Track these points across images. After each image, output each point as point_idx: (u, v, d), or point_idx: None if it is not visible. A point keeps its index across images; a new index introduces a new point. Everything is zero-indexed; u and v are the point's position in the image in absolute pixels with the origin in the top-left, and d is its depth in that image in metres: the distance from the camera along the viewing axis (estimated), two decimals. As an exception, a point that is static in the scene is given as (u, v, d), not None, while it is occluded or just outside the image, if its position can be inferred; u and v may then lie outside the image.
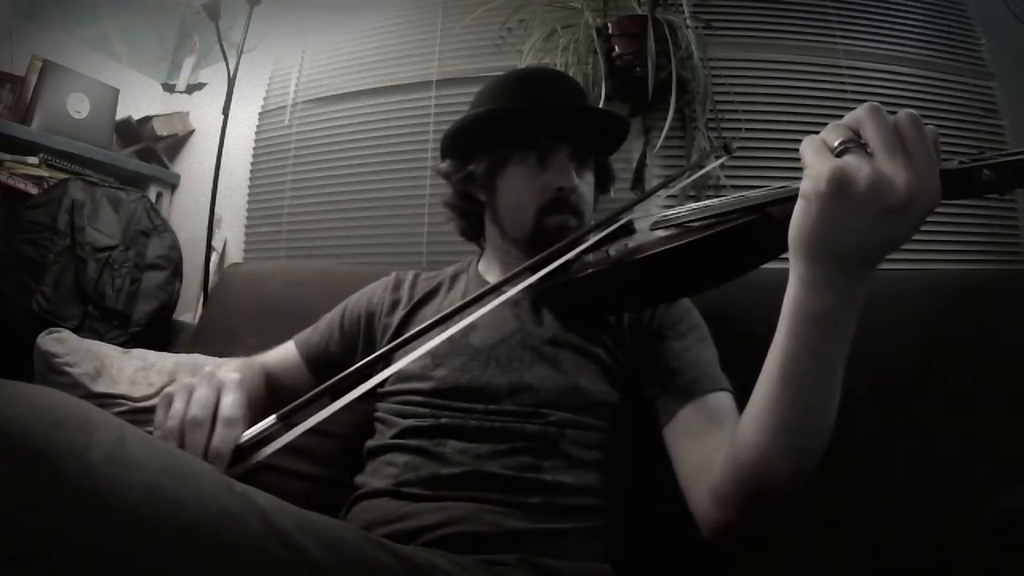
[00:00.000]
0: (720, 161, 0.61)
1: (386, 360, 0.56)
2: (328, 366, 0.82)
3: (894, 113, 0.38)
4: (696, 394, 0.65)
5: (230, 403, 0.49)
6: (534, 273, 0.57)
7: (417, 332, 0.54)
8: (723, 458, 0.53)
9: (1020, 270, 1.41)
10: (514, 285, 0.54)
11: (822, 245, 0.40)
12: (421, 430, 0.68)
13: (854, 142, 0.38)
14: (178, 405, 0.48)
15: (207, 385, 0.50)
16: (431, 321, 0.54)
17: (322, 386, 0.50)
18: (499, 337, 0.73)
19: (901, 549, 0.74)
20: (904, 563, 0.73)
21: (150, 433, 0.39)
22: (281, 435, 0.46)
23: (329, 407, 0.46)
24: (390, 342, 0.79)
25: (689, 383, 0.66)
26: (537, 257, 0.57)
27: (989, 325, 0.82)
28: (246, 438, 0.47)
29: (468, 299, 0.55)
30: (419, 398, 0.70)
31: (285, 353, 0.84)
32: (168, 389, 0.50)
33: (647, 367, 0.71)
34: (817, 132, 0.41)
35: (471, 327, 0.73)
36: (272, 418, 0.47)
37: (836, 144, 0.38)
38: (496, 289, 0.56)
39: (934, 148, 0.37)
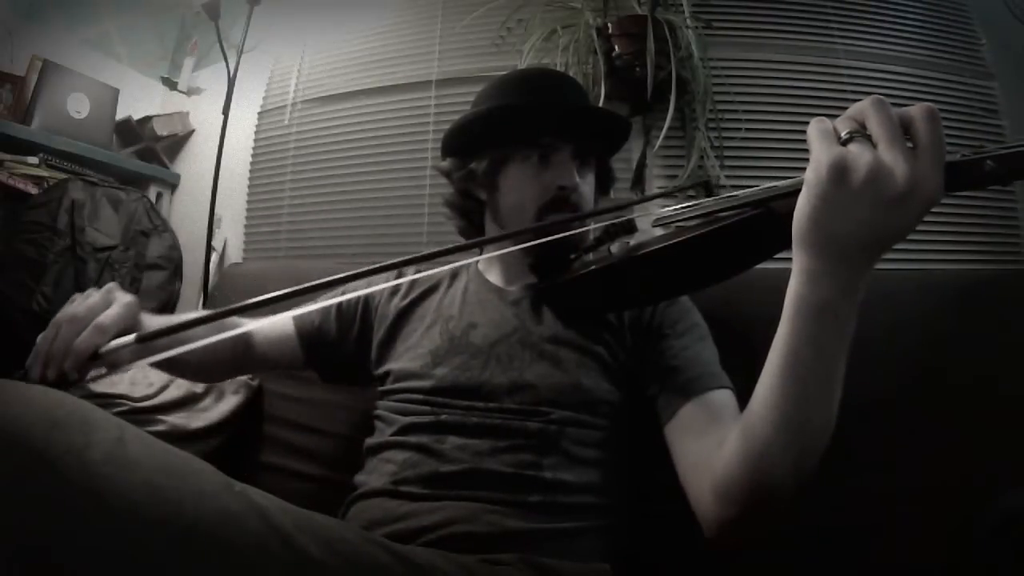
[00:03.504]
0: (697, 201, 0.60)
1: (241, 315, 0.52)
2: (321, 345, 0.82)
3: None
4: (696, 392, 0.65)
5: (111, 314, 0.53)
6: (536, 238, 0.57)
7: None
8: (725, 454, 0.53)
9: (1020, 270, 1.41)
10: (498, 247, 0.55)
11: (823, 233, 0.40)
12: (421, 427, 0.68)
13: (859, 132, 0.38)
14: (72, 303, 0.54)
15: (102, 295, 0.55)
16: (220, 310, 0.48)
17: (192, 316, 0.47)
18: (499, 335, 0.73)
19: (901, 549, 0.73)
20: (904, 563, 0.73)
21: (151, 433, 0.38)
22: (142, 358, 0.46)
23: (189, 344, 0.42)
24: (388, 332, 0.80)
25: (689, 381, 0.66)
26: (522, 228, 0.57)
27: (989, 325, 0.82)
28: (106, 349, 0.50)
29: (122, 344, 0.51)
30: (419, 396, 0.70)
31: (279, 326, 0.82)
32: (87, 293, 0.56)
33: (647, 365, 0.71)
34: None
35: (471, 325, 0.73)
36: (131, 337, 0.48)
37: (844, 133, 0.39)
38: (143, 341, 0.49)
39: (938, 142, 0.38)
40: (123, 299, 0.56)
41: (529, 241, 0.57)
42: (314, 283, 0.46)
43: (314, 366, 0.84)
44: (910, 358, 0.81)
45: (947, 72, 1.55)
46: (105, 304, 0.54)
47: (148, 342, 0.47)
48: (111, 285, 0.57)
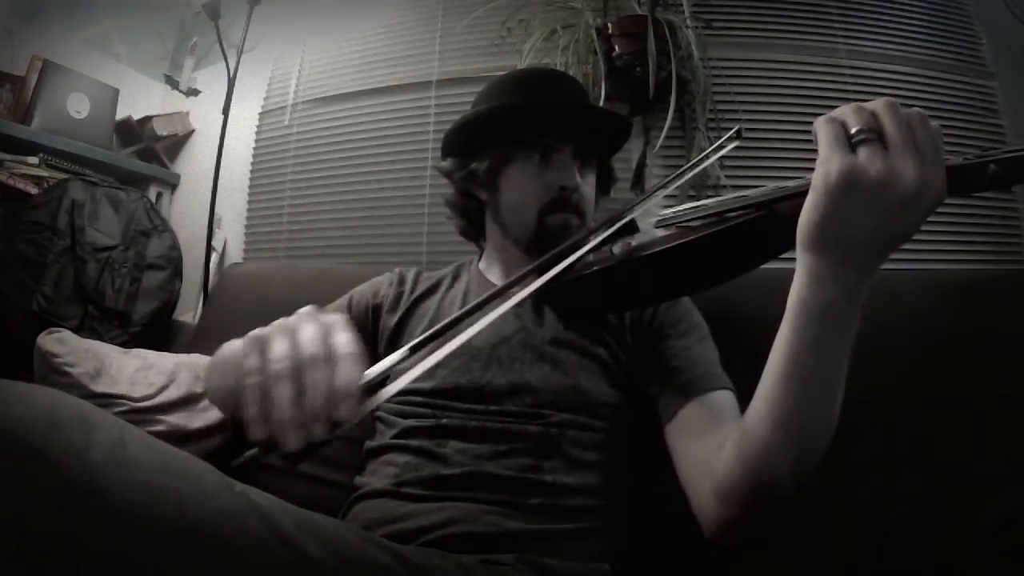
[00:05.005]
0: (733, 145, 0.60)
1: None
2: None
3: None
4: (697, 392, 0.65)
5: (347, 339, 0.40)
6: (539, 275, 0.55)
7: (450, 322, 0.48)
8: (725, 454, 0.53)
9: (1020, 270, 1.41)
10: (521, 287, 0.52)
11: (830, 238, 0.40)
12: (422, 430, 0.68)
13: (873, 132, 0.38)
14: (282, 345, 0.38)
15: (312, 322, 0.40)
16: (455, 316, 0.49)
17: (442, 323, 0.46)
18: (500, 337, 0.73)
19: (901, 549, 0.73)
20: (904, 563, 0.73)
21: (151, 433, 0.38)
22: (401, 373, 0.40)
23: (445, 347, 0.42)
24: (391, 340, 0.79)
25: (690, 381, 0.66)
26: (542, 259, 0.56)
27: (989, 325, 0.82)
28: (369, 376, 0.40)
29: (477, 302, 0.50)
30: (419, 398, 0.70)
31: None
32: (253, 333, 0.41)
33: (648, 366, 0.71)
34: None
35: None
36: (404, 350, 0.42)
37: (854, 130, 0.38)
38: (503, 292, 0.52)
39: (940, 144, 0.38)
40: (335, 317, 0.42)
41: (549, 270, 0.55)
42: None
43: None
44: (910, 358, 0.81)
45: (948, 72, 1.55)
46: (324, 329, 0.40)
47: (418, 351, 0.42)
48: (307, 308, 0.43)
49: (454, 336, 0.44)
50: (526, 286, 0.52)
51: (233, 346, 0.67)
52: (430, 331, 0.46)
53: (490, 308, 0.48)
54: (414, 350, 0.43)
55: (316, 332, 0.39)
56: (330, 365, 0.37)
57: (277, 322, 0.41)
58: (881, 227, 0.38)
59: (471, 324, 0.45)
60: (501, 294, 0.51)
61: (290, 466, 0.38)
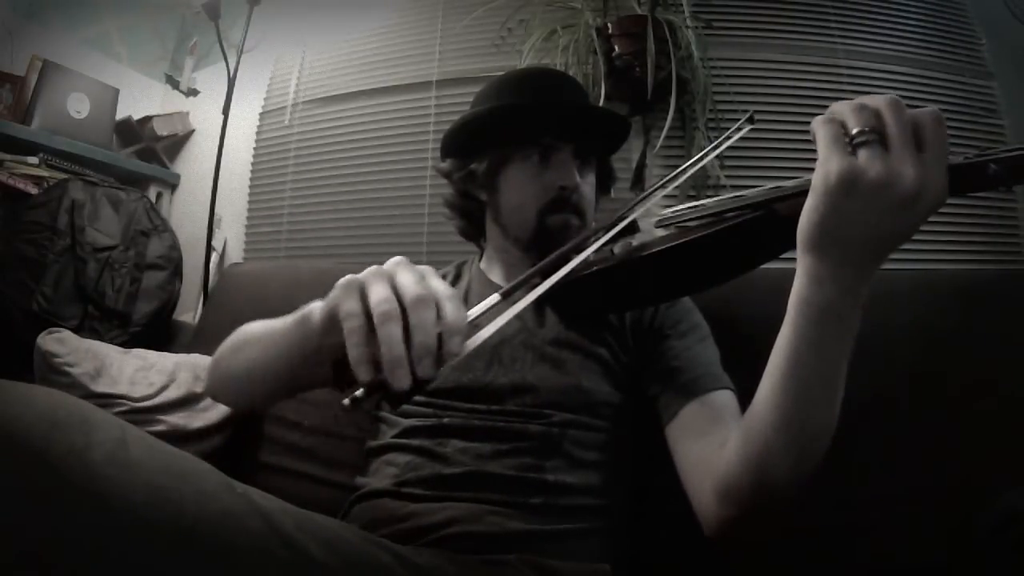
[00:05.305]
0: (747, 130, 0.60)
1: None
2: None
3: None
4: (698, 392, 0.65)
5: (444, 284, 0.41)
6: (543, 278, 0.55)
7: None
8: (726, 455, 0.53)
9: (1020, 270, 1.41)
10: (525, 291, 0.52)
11: (829, 239, 0.40)
12: (423, 430, 0.68)
13: (873, 133, 0.37)
14: (381, 288, 0.39)
15: (408, 269, 0.41)
16: (526, 275, 0.50)
17: (536, 267, 0.49)
18: (501, 337, 0.72)
19: (901, 549, 0.74)
20: (904, 563, 0.73)
21: (151, 433, 0.38)
22: (502, 311, 0.42)
23: (542, 285, 0.45)
24: None
25: (691, 382, 0.66)
26: (545, 261, 0.56)
27: (989, 325, 0.82)
28: (473, 315, 0.41)
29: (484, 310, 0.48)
30: (421, 397, 0.70)
31: None
32: (346, 279, 0.41)
33: (649, 366, 0.71)
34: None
35: (473, 327, 0.73)
36: (496, 296, 0.44)
37: (855, 131, 0.38)
38: (507, 296, 0.49)
39: (946, 146, 0.37)
40: (425, 267, 0.43)
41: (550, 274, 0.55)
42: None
43: None
44: (910, 358, 0.81)
45: (947, 72, 1.56)
46: (419, 274, 0.41)
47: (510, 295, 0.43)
48: (398, 258, 0.43)
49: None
50: (531, 288, 0.52)
51: (250, 329, 0.62)
52: (521, 276, 0.48)
53: (500, 309, 0.48)
54: (504, 296, 0.45)
55: (415, 276, 0.40)
56: (434, 304, 0.39)
57: (371, 268, 0.42)
58: (880, 227, 0.38)
59: (502, 311, 0.44)
60: (514, 292, 0.51)
61: (396, 406, 0.38)
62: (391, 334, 0.37)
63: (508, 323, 0.43)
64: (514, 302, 0.44)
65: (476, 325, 0.42)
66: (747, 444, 0.50)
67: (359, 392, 0.37)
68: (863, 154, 0.37)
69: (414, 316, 0.37)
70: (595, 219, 0.80)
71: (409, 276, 0.40)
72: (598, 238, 0.57)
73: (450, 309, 0.39)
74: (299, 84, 1.84)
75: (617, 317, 0.75)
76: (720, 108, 1.40)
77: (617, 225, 0.59)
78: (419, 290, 0.39)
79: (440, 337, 0.38)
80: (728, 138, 0.61)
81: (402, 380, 0.36)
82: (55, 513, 0.31)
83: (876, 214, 0.38)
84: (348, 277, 0.42)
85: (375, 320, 0.38)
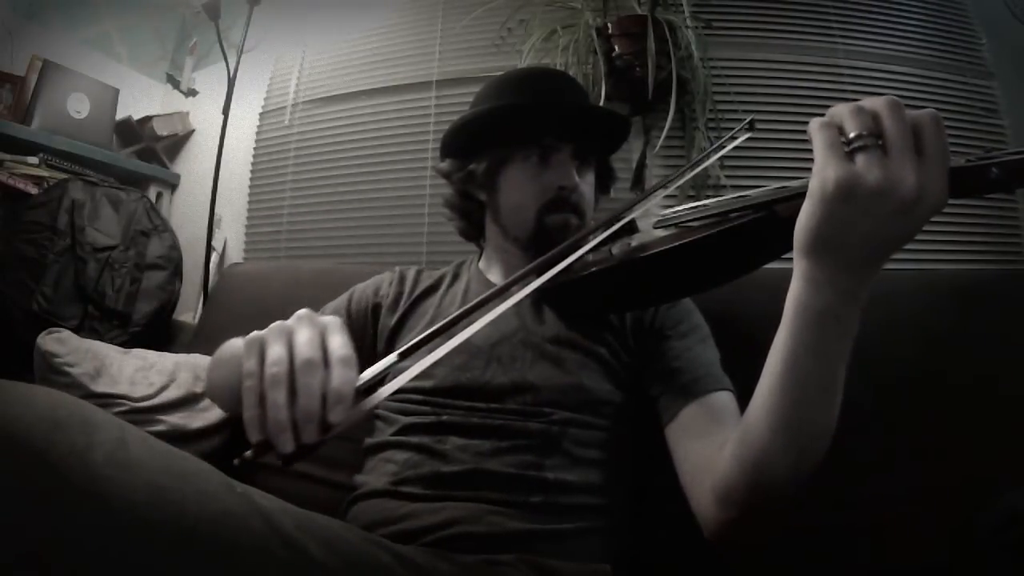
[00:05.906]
0: (746, 136, 0.60)
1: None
2: None
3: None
4: (698, 394, 0.65)
5: (342, 343, 0.41)
6: (539, 275, 0.56)
7: (450, 321, 0.48)
8: (725, 456, 0.53)
9: (1020, 270, 1.41)
10: (520, 287, 0.52)
11: (827, 244, 0.40)
12: (422, 427, 0.68)
13: (872, 137, 0.36)
14: (277, 348, 0.39)
15: (308, 326, 0.41)
16: (451, 317, 0.49)
17: (436, 326, 0.47)
18: (500, 335, 0.73)
19: (901, 549, 0.74)
20: (904, 563, 0.73)
21: (151, 434, 0.38)
22: (398, 374, 0.42)
23: (442, 348, 0.44)
24: (390, 339, 0.79)
25: (691, 383, 0.66)
26: (541, 258, 0.56)
27: (989, 325, 0.82)
28: (364, 379, 0.41)
29: (474, 302, 0.51)
30: (419, 396, 0.70)
31: None
32: (252, 335, 0.42)
33: (649, 367, 0.71)
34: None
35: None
36: (393, 356, 0.43)
37: (852, 135, 0.36)
38: (502, 292, 0.52)
39: (947, 149, 0.36)
40: (331, 320, 0.43)
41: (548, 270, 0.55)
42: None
43: None
44: (910, 358, 0.81)
45: (947, 72, 1.55)
46: (319, 332, 0.41)
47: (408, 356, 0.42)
48: (303, 312, 0.44)
49: (453, 335, 0.45)
50: (525, 285, 0.52)
51: (234, 344, 0.68)
52: (422, 335, 0.47)
53: (489, 307, 0.48)
54: (403, 356, 0.44)
55: (311, 336, 0.40)
56: (324, 369, 0.39)
57: (274, 325, 0.42)
58: (879, 232, 0.38)
59: (470, 323, 0.46)
60: (500, 294, 0.51)
61: (286, 466, 0.39)
62: (275, 400, 0.37)
63: (507, 321, 0.43)
64: (491, 309, 0.44)
65: (381, 381, 0.42)
66: (744, 446, 0.50)
67: (248, 453, 0.38)
68: (861, 160, 0.36)
69: (300, 381, 0.38)
70: (594, 219, 0.80)
71: (305, 335, 0.40)
72: (595, 236, 0.58)
73: (337, 375, 0.38)
74: (299, 84, 1.84)
75: (617, 317, 0.75)
76: (720, 108, 1.40)
77: (614, 224, 0.59)
78: (308, 353, 0.39)
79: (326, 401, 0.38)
80: (725, 145, 0.60)
81: (285, 445, 0.37)
82: (55, 513, 0.31)
83: (874, 220, 0.37)
84: (254, 334, 0.42)
85: (264, 383, 0.38)
